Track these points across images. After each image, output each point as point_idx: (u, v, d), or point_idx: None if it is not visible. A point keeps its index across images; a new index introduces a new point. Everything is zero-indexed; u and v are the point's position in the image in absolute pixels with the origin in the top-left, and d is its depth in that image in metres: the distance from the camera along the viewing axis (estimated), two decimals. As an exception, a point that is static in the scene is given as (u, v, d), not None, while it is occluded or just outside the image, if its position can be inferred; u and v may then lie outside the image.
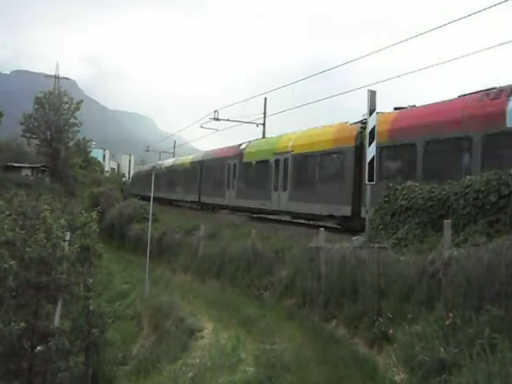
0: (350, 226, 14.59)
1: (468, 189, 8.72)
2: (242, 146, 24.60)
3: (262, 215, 22.25)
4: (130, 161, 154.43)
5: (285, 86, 26.22)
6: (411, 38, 15.90)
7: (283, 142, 20.29)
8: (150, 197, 18.45)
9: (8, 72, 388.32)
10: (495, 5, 12.22)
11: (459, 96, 12.47)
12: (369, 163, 11.93)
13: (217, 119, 33.62)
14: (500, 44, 13.18)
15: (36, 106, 51.63)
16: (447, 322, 6.35)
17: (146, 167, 51.93)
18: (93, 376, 9.70)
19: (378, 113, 12.18)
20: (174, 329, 10.83)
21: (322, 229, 11.33)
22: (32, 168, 47.96)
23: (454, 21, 14.09)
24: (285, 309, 11.14)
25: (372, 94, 12.10)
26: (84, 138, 62.08)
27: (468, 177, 9.19)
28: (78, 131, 54.73)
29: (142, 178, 46.84)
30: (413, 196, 10.03)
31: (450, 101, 12.66)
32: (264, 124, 34.01)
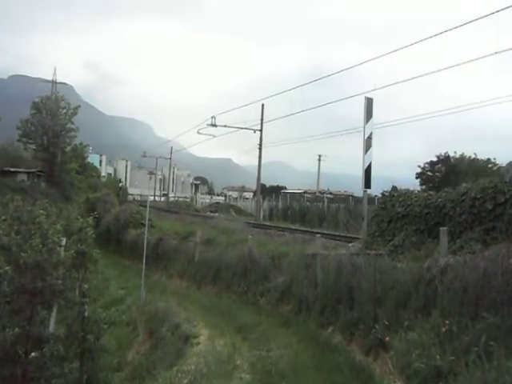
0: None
1: (464, 196, 8.77)
2: None
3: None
4: (126, 166, 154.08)
5: (283, 93, 26.49)
6: (411, 44, 15.95)
7: None
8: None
9: (5, 77, 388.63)
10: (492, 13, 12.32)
11: None
12: (365, 170, 11.97)
13: (214, 125, 33.65)
14: (496, 52, 13.28)
15: (33, 111, 51.64)
16: (443, 330, 6.35)
17: None
18: (87, 382, 9.59)
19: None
20: (169, 335, 10.76)
21: (318, 235, 11.35)
22: (28, 173, 47.83)
23: (451, 29, 14.16)
24: (281, 315, 11.10)
25: (369, 102, 12.17)
26: (81, 143, 62.15)
27: (464, 184, 9.26)
28: (75, 136, 54.75)
29: None
30: (409, 203, 10.06)
31: None
32: (261, 130, 34.10)
